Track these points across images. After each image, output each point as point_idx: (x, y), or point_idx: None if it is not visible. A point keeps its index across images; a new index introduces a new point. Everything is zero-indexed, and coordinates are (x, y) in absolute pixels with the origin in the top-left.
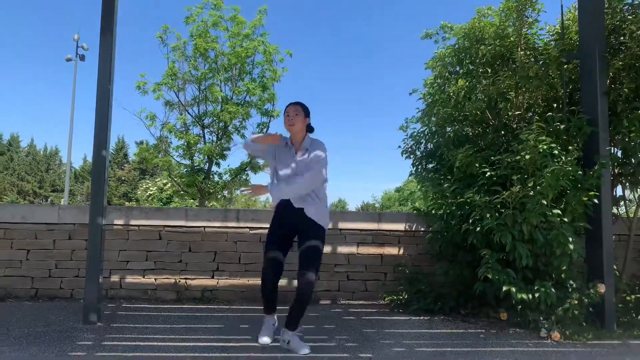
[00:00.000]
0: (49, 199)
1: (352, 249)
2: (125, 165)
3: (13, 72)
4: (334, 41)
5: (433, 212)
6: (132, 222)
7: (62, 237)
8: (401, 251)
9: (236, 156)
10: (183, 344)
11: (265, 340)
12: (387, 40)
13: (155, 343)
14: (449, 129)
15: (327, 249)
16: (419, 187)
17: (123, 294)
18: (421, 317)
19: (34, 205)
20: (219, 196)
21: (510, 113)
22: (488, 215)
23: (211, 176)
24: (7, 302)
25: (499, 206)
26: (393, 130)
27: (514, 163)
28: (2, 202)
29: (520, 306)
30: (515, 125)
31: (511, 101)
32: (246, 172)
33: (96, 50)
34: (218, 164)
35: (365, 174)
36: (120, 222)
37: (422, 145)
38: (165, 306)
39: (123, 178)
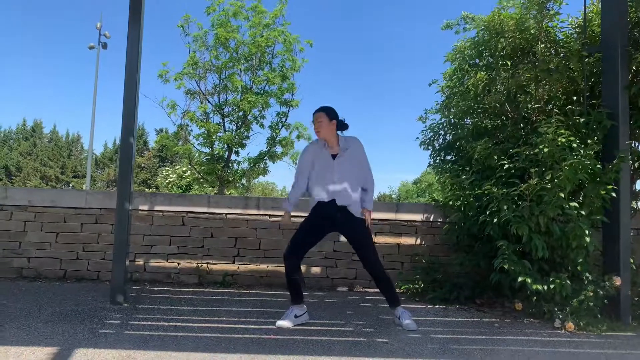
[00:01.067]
0: (71, 185)
1: None
2: (145, 152)
3: (37, 60)
4: (355, 30)
5: (451, 203)
6: (157, 208)
7: (89, 221)
8: (418, 241)
9: (255, 145)
10: (206, 325)
11: (282, 323)
12: (408, 30)
13: (179, 324)
14: (468, 121)
15: (344, 238)
16: (437, 178)
17: (147, 277)
18: (437, 306)
19: (62, 190)
20: (237, 184)
21: (529, 106)
22: (505, 207)
23: (230, 164)
24: (37, 282)
25: (516, 198)
26: (411, 121)
27: (533, 156)
28: (32, 187)
29: (535, 297)
30: (534, 118)
31: (531, 94)
32: (264, 161)
33: (118, 38)
34: (237, 153)
35: (382, 164)
36: (145, 207)
37: (441, 137)
38: (188, 289)
39: (143, 165)
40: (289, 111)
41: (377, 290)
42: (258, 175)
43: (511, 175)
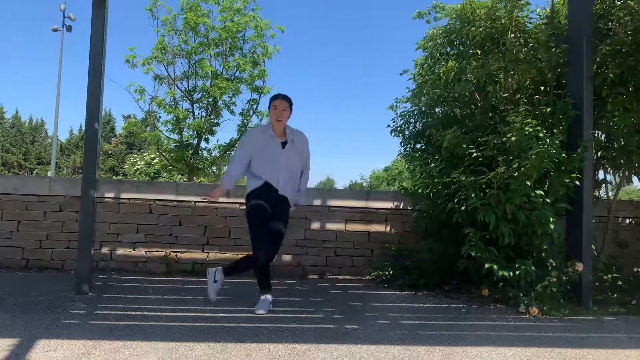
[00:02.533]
0: (34, 172)
1: (341, 226)
2: (113, 139)
3: None
4: (327, 18)
5: (420, 191)
6: (123, 195)
7: (53, 209)
8: (388, 229)
9: (226, 132)
10: (174, 314)
11: (261, 311)
12: (380, 20)
13: (147, 313)
14: (438, 109)
15: (316, 225)
16: (407, 166)
17: (114, 266)
18: (405, 292)
19: (25, 176)
20: (207, 172)
21: (498, 95)
22: (473, 195)
23: (200, 152)
24: None
25: (483, 186)
26: (382, 110)
27: (500, 144)
28: None
29: (501, 283)
30: (503, 108)
31: (500, 83)
32: (235, 149)
33: (82, 21)
34: (207, 140)
35: (353, 152)
36: (111, 195)
37: (412, 125)
38: (156, 278)
39: (110, 152)
40: (260, 98)
41: (349, 277)
42: (229, 163)
43: (479, 164)
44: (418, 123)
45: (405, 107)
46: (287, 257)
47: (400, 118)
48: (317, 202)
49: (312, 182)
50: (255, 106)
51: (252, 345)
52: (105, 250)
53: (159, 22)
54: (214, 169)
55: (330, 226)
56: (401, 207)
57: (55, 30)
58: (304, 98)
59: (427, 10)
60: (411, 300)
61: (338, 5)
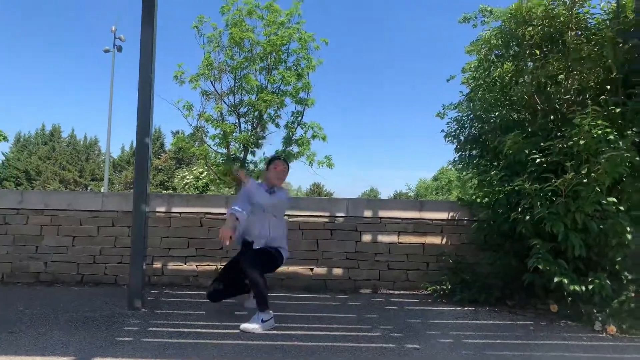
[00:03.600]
0: (89, 188)
1: (393, 238)
2: (162, 154)
3: (53, 65)
4: (372, 28)
5: (478, 200)
6: (174, 210)
7: (106, 224)
8: (444, 240)
9: (271, 145)
10: (226, 330)
11: (248, 327)
12: (424, 24)
13: (198, 330)
14: (494, 114)
15: (367, 237)
16: (463, 174)
17: (165, 281)
18: (466, 308)
19: (78, 192)
20: None
21: (560, 97)
22: (539, 204)
23: (247, 164)
24: (54, 287)
25: (549, 194)
26: (426, 117)
27: (567, 149)
28: (48, 190)
29: (570, 298)
30: (565, 110)
31: (561, 84)
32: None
33: (133, 42)
34: (253, 153)
35: (397, 161)
36: (162, 209)
37: (466, 130)
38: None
39: (160, 167)
40: (304, 110)
41: (403, 291)
42: None
43: (544, 170)
44: (473, 128)
45: (455, 115)
46: (338, 271)
47: (454, 122)
48: (368, 213)
49: (357, 193)
50: (300, 118)
51: None
52: (157, 264)
53: (205, 39)
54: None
55: (382, 238)
56: (457, 217)
57: (106, 51)
58: (345, 108)
59: (474, 14)
60: (473, 317)
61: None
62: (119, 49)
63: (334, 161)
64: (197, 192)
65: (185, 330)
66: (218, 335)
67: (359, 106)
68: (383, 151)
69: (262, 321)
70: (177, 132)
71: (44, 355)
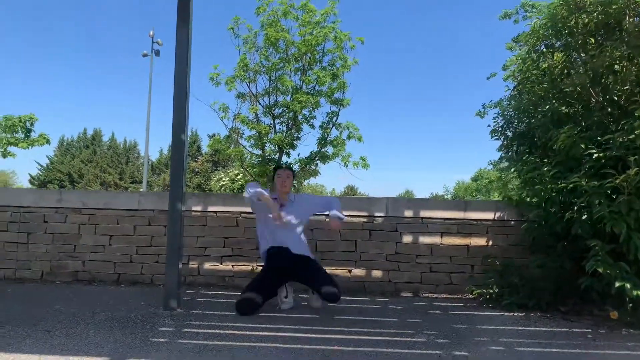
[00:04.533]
0: (129, 190)
1: (436, 239)
2: (199, 157)
3: (94, 71)
4: (408, 28)
5: (527, 199)
6: (210, 208)
7: (142, 223)
8: (490, 242)
9: (306, 145)
10: (262, 333)
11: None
12: (463, 24)
13: (234, 332)
14: (544, 107)
15: (407, 238)
16: (505, 174)
17: (201, 281)
18: (515, 313)
19: (115, 192)
20: None
21: (618, 87)
22: (597, 202)
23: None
24: (92, 286)
25: (609, 192)
26: (461, 117)
27: (628, 143)
28: (86, 190)
29: (630, 304)
30: (623, 102)
31: (620, 74)
32: (315, 162)
33: (170, 45)
34: (288, 154)
35: (432, 163)
36: (198, 208)
37: (513, 125)
38: None
39: (197, 170)
40: (339, 110)
41: (446, 295)
42: (309, 177)
43: (602, 166)
44: (521, 124)
45: (495, 112)
46: (377, 273)
47: (501, 118)
48: (409, 213)
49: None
50: (335, 119)
51: None
52: (193, 264)
53: (240, 40)
54: (295, 182)
55: (424, 240)
56: (504, 217)
57: (145, 55)
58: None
59: (515, 10)
60: (524, 323)
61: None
62: (157, 53)
63: (369, 162)
64: (233, 194)
65: (221, 332)
66: (254, 337)
67: (392, 106)
68: (416, 153)
69: None
70: (214, 135)
71: (78, 355)
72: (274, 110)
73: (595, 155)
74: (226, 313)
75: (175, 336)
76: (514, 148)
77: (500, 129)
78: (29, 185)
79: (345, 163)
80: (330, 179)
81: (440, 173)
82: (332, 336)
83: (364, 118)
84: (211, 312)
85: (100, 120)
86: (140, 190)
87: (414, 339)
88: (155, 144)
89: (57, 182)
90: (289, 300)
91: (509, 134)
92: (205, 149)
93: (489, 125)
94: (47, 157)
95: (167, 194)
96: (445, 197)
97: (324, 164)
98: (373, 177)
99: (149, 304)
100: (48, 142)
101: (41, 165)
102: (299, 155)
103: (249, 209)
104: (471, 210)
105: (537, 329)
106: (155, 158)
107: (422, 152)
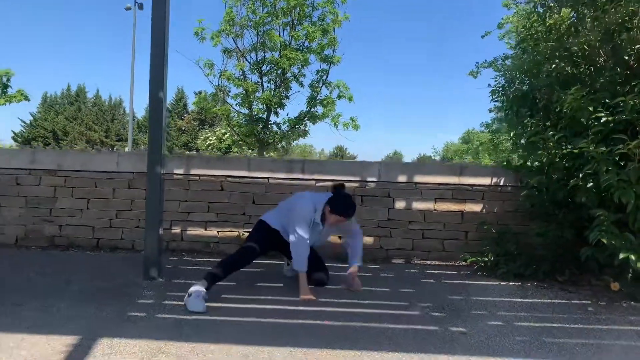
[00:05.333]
0: (115, 148)
1: (429, 205)
2: (185, 115)
3: (78, 26)
4: None
5: (528, 164)
6: (193, 172)
7: (122, 186)
8: (485, 208)
9: (295, 105)
10: (248, 305)
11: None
12: None
13: (219, 304)
14: (548, 67)
15: (400, 204)
16: (512, 134)
17: (185, 247)
18: (511, 283)
19: (93, 152)
20: (277, 146)
21: (630, 47)
22: (605, 170)
23: (269, 126)
24: (70, 252)
25: (617, 159)
26: (450, 77)
27: None
28: (62, 149)
29: (630, 275)
30: (632, 63)
31: (632, 32)
32: (305, 123)
33: None
34: (276, 114)
35: (420, 124)
36: (180, 171)
37: (514, 85)
38: None
39: (183, 128)
40: (329, 68)
41: (439, 262)
42: (298, 137)
43: (611, 131)
44: (522, 84)
45: (489, 73)
46: (368, 239)
47: (501, 76)
48: (402, 178)
49: (380, 155)
50: (325, 77)
51: (342, 354)
52: (176, 229)
53: None
54: (284, 143)
55: (417, 205)
56: (501, 183)
57: (128, 9)
58: (371, 69)
59: None
60: (521, 294)
61: None
62: (140, 6)
63: (359, 123)
64: (220, 153)
65: (205, 304)
66: (237, 311)
67: (382, 65)
68: (405, 113)
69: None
70: (200, 92)
71: (45, 333)
72: (261, 67)
73: (604, 119)
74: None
75: (155, 309)
76: (514, 109)
77: (500, 89)
78: (13, 143)
79: (335, 124)
80: (319, 139)
81: (428, 135)
82: (324, 309)
83: (354, 79)
84: (194, 281)
85: (84, 77)
86: (126, 148)
87: (408, 312)
88: (141, 101)
89: (42, 139)
90: (290, 268)
91: (510, 94)
92: (191, 106)
93: (489, 85)
94: (30, 113)
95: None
96: (434, 158)
97: (314, 124)
98: (362, 138)
99: (128, 272)
100: (26, 98)
101: (24, 122)
102: (287, 115)
103: (234, 173)
104: (467, 175)
105: (536, 300)
106: (142, 115)
107: (411, 112)
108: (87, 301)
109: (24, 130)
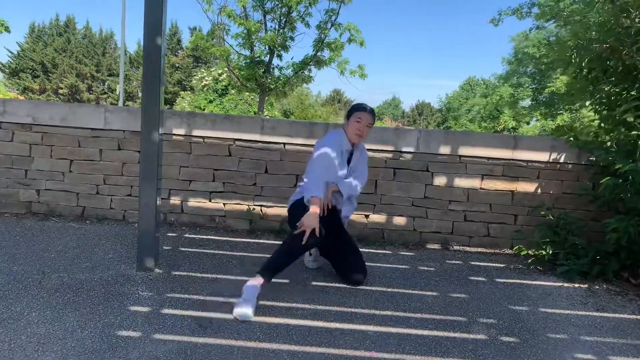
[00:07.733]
0: (106, 83)
1: (475, 183)
2: (179, 51)
3: None
4: None
5: (599, 139)
6: (195, 133)
7: (110, 147)
8: (540, 189)
9: (300, 48)
10: (261, 301)
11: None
12: None
13: (230, 315)
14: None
15: (440, 180)
16: (589, 105)
17: (185, 220)
18: (576, 285)
19: (74, 104)
20: (279, 92)
21: None
22: None
23: (272, 70)
24: (50, 222)
25: None
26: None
27: None
28: (37, 100)
29: None
30: None
31: None
32: (309, 68)
33: None
34: (280, 56)
35: (417, 70)
36: (181, 131)
37: (579, 44)
38: (238, 240)
39: (177, 65)
40: (339, 8)
41: (481, 249)
42: (302, 83)
43: None
44: (590, 42)
45: (512, 20)
46: (400, 220)
47: (552, 21)
48: (445, 149)
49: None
50: (334, 18)
51: None
52: (175, 200)
53: None
54: (285, 89)
55: (460, 182)
56: (561, 160)
57: None
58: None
59: None
60: (594, 304)
61: None
62: None
63: (366, 72)
64: (216, 94)
65: (215, 315)
66: (256, 327)
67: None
68: (405, 58)
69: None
70: (195, 29)
71: None
72: (265, 4)
73: None
74: (217, 275)
75: (152, 324)
76: (583, 73)
77: (575, 48)
78: (0, 75)
79: (341, 70)
80: (325, 85)
81: (424, 79)
82: (364, 327)
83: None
84: (200, 274)
85: (73, 7)
86: (117, 84)
87: (453, 318)
88: (133, 35)
89: (30, 70)
90: (314, 258)
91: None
92: (186, 43)
93: (530, 29)
94: (17, 43)
95: (140, 109)
96: (434, 107)
97: (319, 69)
98: (356, 82)
99: (119, 256)
100: (7, 29)
101: (11, 52)
102: (292, 59)
103: (244, 136)
104: (521, 149)
105: (617, 315)
106: (134, 50)
107: (413, 56)
108: (64, 307)
109: (11, 61)
